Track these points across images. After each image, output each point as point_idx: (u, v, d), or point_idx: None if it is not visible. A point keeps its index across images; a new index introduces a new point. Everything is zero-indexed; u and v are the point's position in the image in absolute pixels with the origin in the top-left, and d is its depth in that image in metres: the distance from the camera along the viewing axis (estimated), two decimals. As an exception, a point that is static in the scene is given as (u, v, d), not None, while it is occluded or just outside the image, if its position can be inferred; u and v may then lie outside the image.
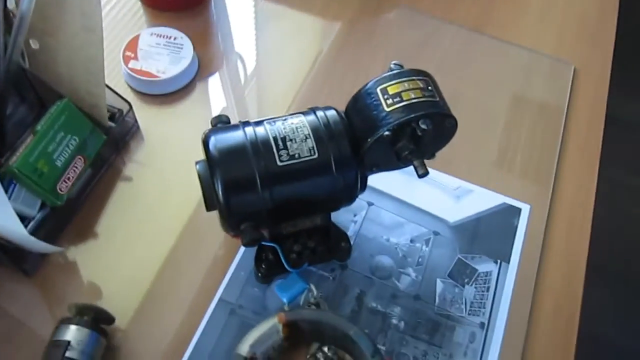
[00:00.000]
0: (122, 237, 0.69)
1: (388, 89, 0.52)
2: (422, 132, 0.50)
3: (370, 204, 0.71)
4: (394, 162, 0.56)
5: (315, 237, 0.61)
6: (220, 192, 0.52)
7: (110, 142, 0.72)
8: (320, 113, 0.56)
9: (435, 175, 0.74)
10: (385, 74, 0.53)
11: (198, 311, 0.63)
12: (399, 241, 0.69)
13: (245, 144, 0.53)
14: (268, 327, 0.52)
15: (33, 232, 0.63)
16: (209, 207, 0.55)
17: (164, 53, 0.80)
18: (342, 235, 0.64)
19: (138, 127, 0.78)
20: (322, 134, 0.54)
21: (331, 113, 0.56)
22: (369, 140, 0.52)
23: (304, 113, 0.57)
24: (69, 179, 0.65)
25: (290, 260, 0.60)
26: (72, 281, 0.65)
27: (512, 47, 0.89)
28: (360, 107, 0.54)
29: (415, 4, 0.94)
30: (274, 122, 0.55)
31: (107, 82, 0.73)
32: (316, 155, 0.53)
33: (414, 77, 0.53)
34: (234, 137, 0.54)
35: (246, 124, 0.56)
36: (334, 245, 0.63)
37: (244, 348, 0.51)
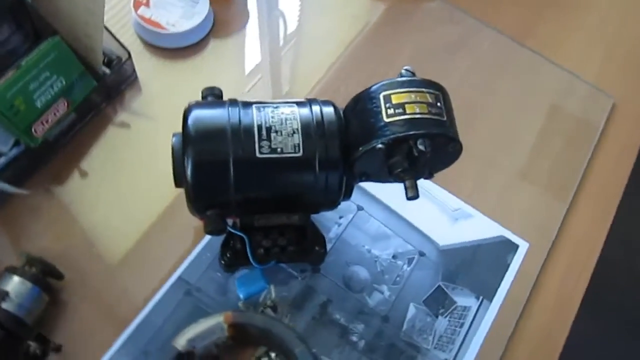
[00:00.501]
0: (98, 189, 0.66)
1: (392, 96, 0.47)
2: (419, 153, 0.45)
3: (359, 208, 0.67)
4: (385, 175, 0.51)
5: (289, 235, 0.56)
6: (189, 172, 0.47)
7: (101, 88, 0.68)
8: (316, 107, 0.51)
9: (436, 191, 0.69)
10: (393, 80, 0.48)
11: (154, 284, 0.60)
12: (381, 254, 0.64)
13: (225, 126, 0.48)
14: (213, 324, 0.49)
15: (1, 169, 0.60)
16: (177, 184, 0.51)
17: (178, 5, 0.74)
18: (319, 239, 0.59)
19: (136, 78, 0.73)
20: (312, 131, 0.49)
21: (328, 110, 0.51)
22: (360, 148, 0.47)
23: (298, 104, 0.51)
24: (47, 121, 0.61)
25: (257, 255, 0.55)
26: (33, 227, 0.62)
27: (551, 65, 0.82)
28: (360, 110, 0.49)
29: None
30: (264, 107, 0.50)
31: (114, 27, 0.68)
32: (300, 154, 0.48)
33: (423, 89, 0.47)
34: (216, 116, 0.49)
35: (234, 103, 0.51)
36: (308, 248, 0.58)
37: (181, 342, 0.47)
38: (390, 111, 0.46)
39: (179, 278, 0.61)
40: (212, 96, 0.54)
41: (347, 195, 0.53)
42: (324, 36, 0.83)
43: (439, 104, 0.47)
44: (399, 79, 0.48)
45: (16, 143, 0.61)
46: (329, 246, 0.63)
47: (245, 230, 0.55)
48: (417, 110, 0.46)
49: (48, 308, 0.56)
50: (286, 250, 0.56)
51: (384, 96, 0.47)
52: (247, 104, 0.51)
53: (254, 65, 0.79)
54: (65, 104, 0.62)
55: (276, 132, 0.48)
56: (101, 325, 0.58)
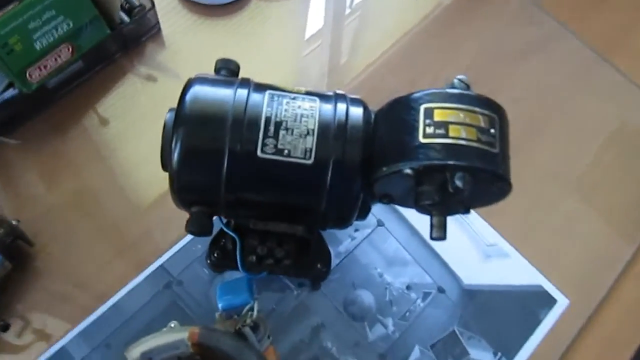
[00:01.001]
0: (97, 145, 0.59)
1: (435, 111, 0.37)
2: (455, 189, 0.36)
3: (379, 223, 0.58)
4: (411, 204, 0.41)
5: (288, 246, 0.48)
6: (175, 157, 0.40)
7: (116, 37, 0.60)
8: (341, 106, 0.42)
9: (472, 218, 0.59)
10: (441, 90, 0.38)
11: (132, 269, 0.53)
12: (393, 282, 0.55)
13: (227, 111, 0.40)
14: (175, 339, 0.41)
15: (-11, 111, 0.54)
16: (163, 166, 0.43)
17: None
18: (324, 255, 0.51)
19: (159, 30, 0.65)
20: (330, 134, 0.40)
21: (356, 112, 0.42)
22: (384, 168, 0.38)
23: (322, 97, 0.42)
24: (45, 67, 0.54)
25: (248, 262, 0.48)
26: (17, 181, 0.56)
27: (636, 90, 0.69)
28: (393, 119, 0.39)
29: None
30: (279, 96, 0.41)
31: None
32: (310, 161, 0.39)
33: (476, 109, 0.37)
34: (220, 96, 0.41)
35: (244, 84, 0.42)
36: (308, 263, 0.50)
37: (134, 354, 0.40)
38: (429, 130, 0.37)
39: (161, 267, 0.54)
40: (226, 71, 0.46)
41: (363, 215, 0.45)
42: (391, 12, 0.72)
43: (492, 130, 0.37)
44: (448, 90, 0.38)
45: (10, 85, 0.55)
46: (335, 261, 0.55)
47: (239, 230, 0.48)
48: (463, 135, 0.36)
49: (11, 275, 0.51)
50: (282, 264, 0.48)
51: (426, 109, 0.37)
52: (260, 88, 0.42)
53: (314, 30, 0.71)
54: (70, 49, 0.55)
55: (287, 129, 0.40)
56: (67, 304, 0.52)
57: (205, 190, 0.41)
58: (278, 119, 0.40)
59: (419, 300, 0.55)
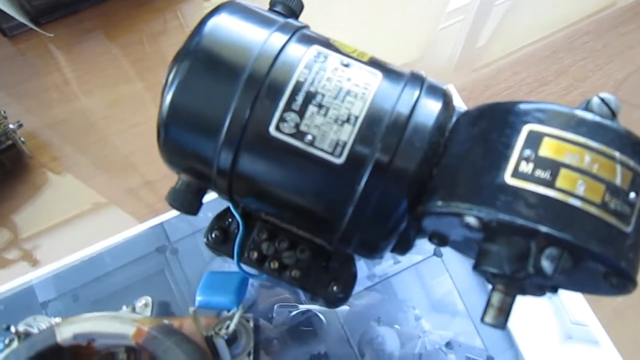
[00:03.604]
0: (141, 62, 0.50)
1: (545, 140, 0.23)
2: (537, 270, 0.22)
3: (437, 253, 0.44)
4: (470, 256, 0.28)
5: (303, 253, 0.37)
6: (166, 100, 0.29)
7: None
8: (411, 92, 0.28)
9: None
10: (565, 109, 0.23)
11: (129, 217, 0.45)
12: (431, 332, 0.42)
13: (248, 59, 0.28)
14: (119, 331, 0.32)
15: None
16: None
17: None
18: (346, 275, 0.39)
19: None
20: (379, 131, 0.27)
21: (428, 108, 0.28)
22: (439, 202, 0.25)
23: (389, 73, 0.29)
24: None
25: (246, 257, 0.37)
26: (38, 79, 0.49)
27: None
28: (478, 134, 0.26)
29: None
30: (327, 57, 0.29)
31: None
32: (340, 160, 0.27)
33: (616, 153, 0.22)
34: (248, 38, 0.29)
35: (287, 29, 0.30)
36: (322, 280, 0.39)
37: (65, 332, 0.32)
38: (526, 167, 0.23)
39: (160, 226, 0.45)
40: (283, 7, 0.34)
41: (401, 250, 0.32)
42: (552, 2, 0.56)
43: (632, 194, 0.22)
44: (578, 112, 0.23)
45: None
46: (364, 285, 0.43)
47: (247, 216, 0.37)
48: (580, 191, 0.22)
49: (4, 181, 0.44)
50: (287, 272, 0.37)
51: (531, 133, 0.23)
52: (307, 40, 0.30)
53: (459, 4, 0.58)
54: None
55: (320, 106, 0.27)
56: (56, 235, 0.45)
57: (195, 157, 0.30)
58: (312, 89, 0.28)
59: (456, 366, 0.41)
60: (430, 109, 0.28)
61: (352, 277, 0.39)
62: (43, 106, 0.47)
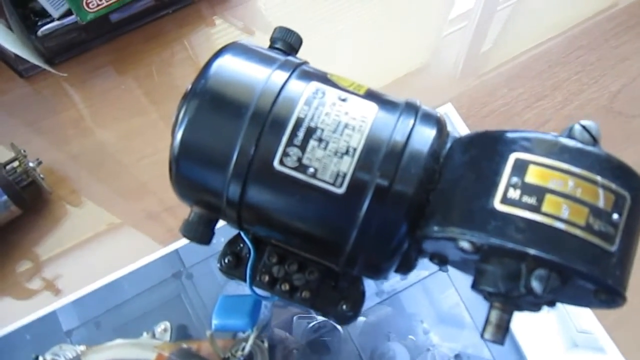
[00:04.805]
0: (153, 94, 0.52)
1: (530, 167, 0.24)
2: (528, 290, 0.23)
3: (443, 269, 0.45)
4: (470, 272, 0.30)
5: (312, 275, 0.38)
6: (177, 138, 0.31)
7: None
8: (406, 121, 0.30)
9: (567, 292, 0.44)
10: (548, 136, 0.25)
11: (146, 244, 0.47)
12: (440, 345, 0.44)
13: (252, 97, 0.30)
14: (141, 358, 0.34)
15: (43, 36, 0.49)
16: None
17: None
18: (354, 295, 0.40)
19: (248, -22, 0.56)
20: (377, 160, 0.29)
21: (423, 136, 0.30)
22: (435, 228, 0.27)
23: (385, 104, 0.31)
24: (106, -3, 0.48)
25: (258, 280, 0.39)
26: (55, 116, 0.52)
27: None
28: (469, 161, 0.27)
29: None
30: (324, 93, 0.31)
31: None
32: (341, 190, 0.29)
33: (597, 177, 0.24)
34: (251, 76, 0.31)
35: (287, 66, 0.32)
36: (332, 299, 0.40)
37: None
38: (514, 193, 0.24)
39: (175, 252, 0.47)
40: (283, 44, 0.36)
41: (404, 270, 0.33)
42: (553, 6, 0.58)
43: (615, 215, 0.24)
44: (561, 140, 0.25)
45: (70, 12, 0.49)
46: (374, 301, 0.44)
47: (257, 241, 0.39)
48: (565, 214, 0.23)
49: (25, 217, 0.46)
50: (298, 294, 0.39)
51: (517, 161, 0.25)
52: (306, 76, 0.32)
53: (461, 10, 0.60)
54: (137, -17, 0.48)
55: (320, 140, 0.29)
56: (77, 263, 0.47)
57: (205, 190, 0.32)
58: (313, 124, 0.29)
59: (466, 378, 0.43)
60: (425, 137, 0.30)
61: (361, 296, 0.41)
62: (60, 142, 0.50)
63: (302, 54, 0.52)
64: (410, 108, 0.31)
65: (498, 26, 0.59)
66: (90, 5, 0.47)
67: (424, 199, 0.29)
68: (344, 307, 0.40)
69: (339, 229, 0.30)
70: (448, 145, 0.31)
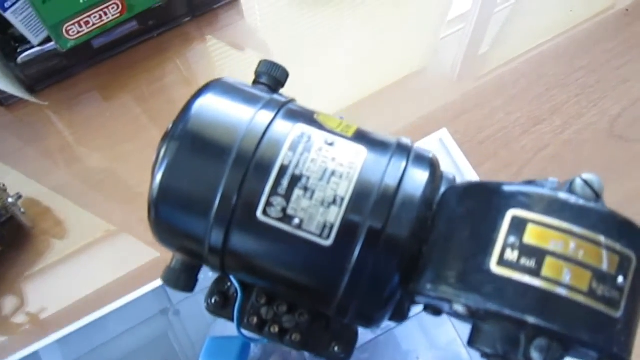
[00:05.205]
0: (139, 121, 0.51)
1: (529, 227, 0.23)
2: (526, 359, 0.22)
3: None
4: (467, 321, 0.28)
5: (302, 317, 0.37)
6: (156, 181, 0.29)
7: (181, 1, 0.51)
8: (398, 164, 0.28)
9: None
10: (548, 192, 0.23)
11: (133, 279, 0.45)
12: (436, 384, 0.42)
13: (235, 141, 0.28)
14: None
15: (23, 63, 0.47)
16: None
17: None
18: (346, 335, 0.39)
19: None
20: (366, 210, 0.27)
21: (416, 180, 0.28)
22: (428, 286, 0.25)
23: (374, 146, 0.29)
24: (87, 23, 0.46)
25: (246, 322, 0.37)
26: (36, 145, 0.50)
27: None
28: (464, 215, 0.26)
29: None
30: (310, 136, 0.29)
31: None
32: (329, 242, 0.27)
33: (601, 238, 0.22)
34: (234, 117, 0.30)
35: (272, 105, 0.30)
36: (323, 340, 0.38)
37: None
38: (512, 254, 0.23)
39: (162, 287, 0.45)
40: (268, 78, 0.34)
41: (397, 318, 0.32)
42: (553, 7, 0.56)
43: (620, 278, 0.22)
44: (561, 196, 0.23)
45: (47, 40, 0.48)
46: (367, 337, 0.43)
47: (244, 283, 0.37)
48: (566, 279, 0.22)
49: (6, 252, 0.45)
50: (288, 336, 0.37)
51: (515, 219, 0.23)
52: (292, 116, 0.30)
53: (458, 12, 0.59)
54: (120, 7, 0.46)
55: (305, 189, 0.27)
56: (63, 299, 0.45)
57: (186, 236, 0.30)
58: (298, 172, 0.28)
59: (465, 420, 0.41)
60: (417, 181, 0.28)
61: (353, 336, 0.39)
62: (43, 172, 0.48)
63: (298, 63, 0.51)
64: (402, 149, 0.30)
65: (496, 28, 0.58)
66: (70, 32, 0.46)
67: (417, 249, 0.27)
68: (336, 348, 0.39)
69: (327, 280, 0.29)
70: (442, 189, 0.29)
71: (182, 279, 0.32)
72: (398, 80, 0.52)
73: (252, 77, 0.35)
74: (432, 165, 0.30)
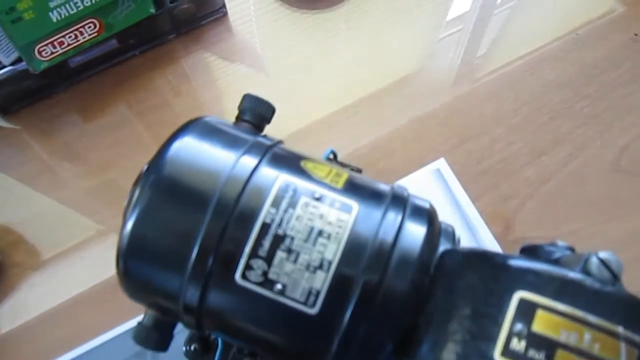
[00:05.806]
0: (120, 144, 0.48)
1: (539, 313, 0.20)
2: None
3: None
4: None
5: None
6: (125, 230, 0.27)
7: (164, 18, 0.48)
8: (392, 217, 0.26)
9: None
10: (560, 271, 0.21)
11: (110, 317, 0.43)
12: None
13: (212, 193, 0.26)
14: None
15: (-4, 84, 0.44)
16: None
17: None
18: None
19: (225, 15, 0.52)
20: (356, 274, 0.25)
21: (412, 238, 0.26)
22: (424, 367, 0.22)
23: (367, 199, 0.27)
24: (61, 43, 0.43)
25: (227, 373, 0.34)
26: (8, 172, 0.47)
27: None
28: (465, 289, 0.23)
29: None
30: (295, 190, 0.26)
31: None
32: (314, 310, 0.25)
33: (619, 328, 0.20)
34: (214, 163, 0.27)
35: (256, 150, 0.28)
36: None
37: None
38: (518, 344, 0.20)
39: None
40: (252, 115, 0.32)
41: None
42: (554, 10, 0.54)
43: (638, 372, 0.20)
44: (574, 277, 0.21)
45: (19, 60, 0.45)
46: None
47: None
48: (579, 375, 0.19)
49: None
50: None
51: (522, 302, 0.21)
52: (278, 162, 0.28)
53: (456, 13, 0.57)
54: (97, 26, 0.43)
55: (289, 251, 0.25)
56: (36, 339, 0.43)
57: (159, 292, 0.28)
58: (281, 232, 0.25)
59: None
60: (417, 237, 0.26)
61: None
62: (16, 200, 0.45)
63: (297, 67, 0.48)
64: (398, 200, 0.27)
65: (495, 29, 0.56)
66: (43, 53, 0.43)
67: (412, 318, 0.25)
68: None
69: (313, 349, 0.26)
70: (440, 247, 0.27)
71: (154, 337, 0.30)
72: (395, 82, 0.50)
73: (241, 94, 0.33)
74: (429, 214, 0.27)
